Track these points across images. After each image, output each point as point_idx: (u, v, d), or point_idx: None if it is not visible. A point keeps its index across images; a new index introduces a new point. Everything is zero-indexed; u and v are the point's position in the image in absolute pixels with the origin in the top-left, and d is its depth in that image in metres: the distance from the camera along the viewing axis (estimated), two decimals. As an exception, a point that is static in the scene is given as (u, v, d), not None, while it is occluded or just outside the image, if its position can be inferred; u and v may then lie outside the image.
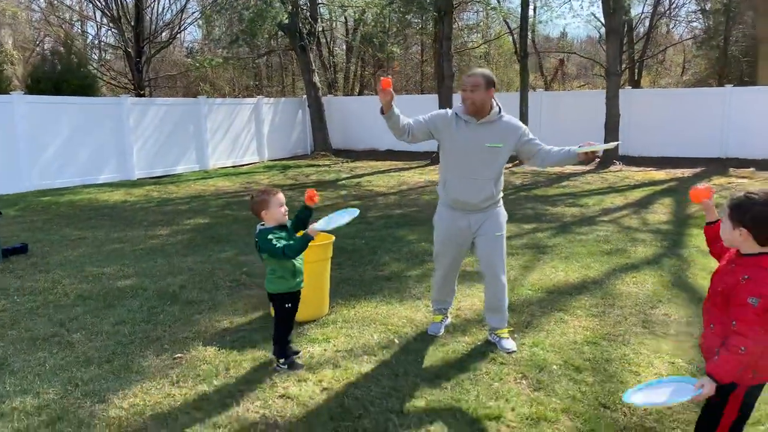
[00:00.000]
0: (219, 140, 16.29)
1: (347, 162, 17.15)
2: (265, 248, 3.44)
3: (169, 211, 9.61)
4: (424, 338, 4.17)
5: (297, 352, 3.84)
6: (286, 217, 3.61)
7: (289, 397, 3.33)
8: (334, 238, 4.68)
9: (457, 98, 18.00)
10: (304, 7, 19.17)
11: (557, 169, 14.78)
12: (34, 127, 11.92)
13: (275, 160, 18.05)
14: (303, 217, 3.74)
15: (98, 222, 8.72)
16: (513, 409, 3.16)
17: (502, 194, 4.02)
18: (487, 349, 3.95)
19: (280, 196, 3.58)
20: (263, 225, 3.58)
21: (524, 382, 3.49)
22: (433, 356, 3.86)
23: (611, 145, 3.93)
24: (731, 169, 13.95)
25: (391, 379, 3.55)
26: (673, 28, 34.46)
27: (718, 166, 14.61)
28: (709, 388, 2.13)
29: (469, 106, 3.75)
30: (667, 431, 2.95)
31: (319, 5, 20.08)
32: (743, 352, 2.11)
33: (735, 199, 2.23)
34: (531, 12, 29.81)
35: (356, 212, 3.59)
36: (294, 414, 3.16)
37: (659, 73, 34.71)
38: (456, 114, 3.84)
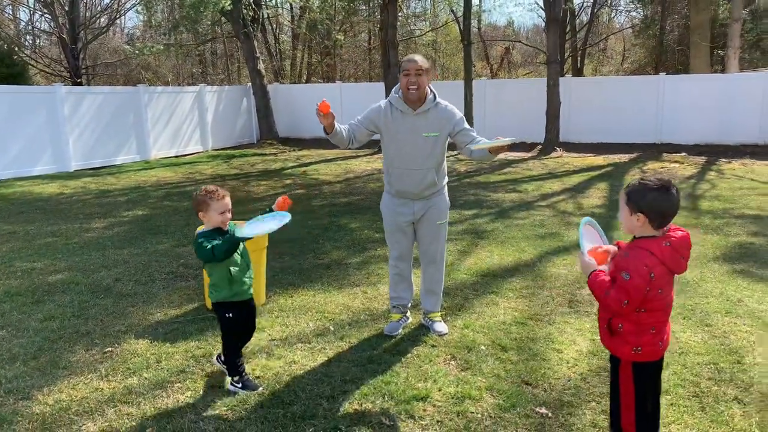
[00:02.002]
0: (161, 130, 15.89)
1: (294, 150, 17.03)
2: (199, 253, 3.19)
3: (107, 203, 9.35)
4: (360, 325, 4.23)
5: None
6: (227, 224, 3.29)
7: (220, 387, 3.34)
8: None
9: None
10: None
11: (501, 156, 15.07)
12: (-41, 117, 11.36)
13: (220, 149, 17.74)
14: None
15: (30, 216, 8.42)
16: (440, 389, 3.26)
17: (446, 181, 4.06)
18: (420, 333, 4.05)
19: (225, 202, 3.27)
20: (202, 228, 3.36)
21: (453, 362, 3.61)
22: (367, 342, 3.93)
23: (506, 141, 3.47)
24: (664, 154, 14.53)
25: (323, 365, 3.60)
26: (614, 17, 35.51)
27: (653, 151, 15.17)
28: (585, 266, 2.41)
29: (414, 91, 3.68)
30: (583, 404, 3.11)
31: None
32: (607, 295, 2.30)
33: (631, 186, 2.34)
34: (476, 0, 30.19)
35: (288, 217, 3.34)
36: (224, 403, 3.17)
37: (601, 61, 35.70)
38: (390, 104, 3.81)
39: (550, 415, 3.01)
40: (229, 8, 17.27)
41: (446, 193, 4.07)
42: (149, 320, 4.37)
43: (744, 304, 4.48)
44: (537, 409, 3.05)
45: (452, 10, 27.38)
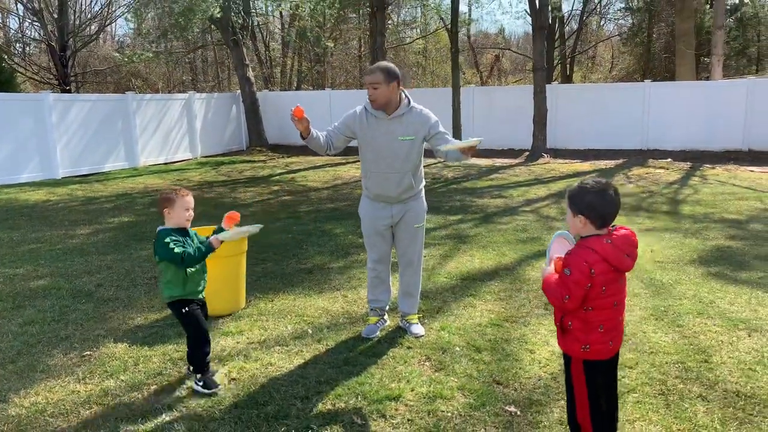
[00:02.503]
0: (149, 137, 15.90)
1: (283, 157, 17.08)
2: (162, 252, 3.22)
3: (93, 210, 9.37)
4: (338, 328, 4.28)
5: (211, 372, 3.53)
6: (189, 222, 3.39)
7: (194, 391, 3.38)
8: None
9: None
10: (237, 1, 18.90)
11: (487, 162, 15.21)
12: (-54, 124, 11.34)
13: (209, 156, 17.76)
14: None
15: (15, 222, 8.42)
16: (412, 389, 3.31)
17: (423, 184, 4.11)
18: (397, 335, 4.10)
19: (188, 200, 3.35)
20: (163, 226, 3.38)
21: (427, 363, 3.66)
22: (344, 344, 3.98)
23: (473, 141, 3.52)
24: (650, 160, 14.69)
25: (299, 367, 3.65)
26: (603, 24, 35.83)
27: (639, 157, 15.34)
28: (543, 272, 2.51)
29: (372, 103, 3.79)
30: (552, 402, 3.17)
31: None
32: (550, 293, 2.40)
33: (572, 189, 2.43)
34: (466, 8, 30.41)
35: (259, 227, 3.50)
36: (199, 404, 3.21)
37: (590, 69, 36.02)
38: (365, 109, 3.88)
39: (518, 413, 3.06)
40: (218, 16, 17.33)
41: (423, 197, 4.13)
42: (129, 324, 4.40)
43: (716, 306, 4.56)
44: (506, 408, 3.10)
45: (441, 18, 27.63)
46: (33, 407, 3.21)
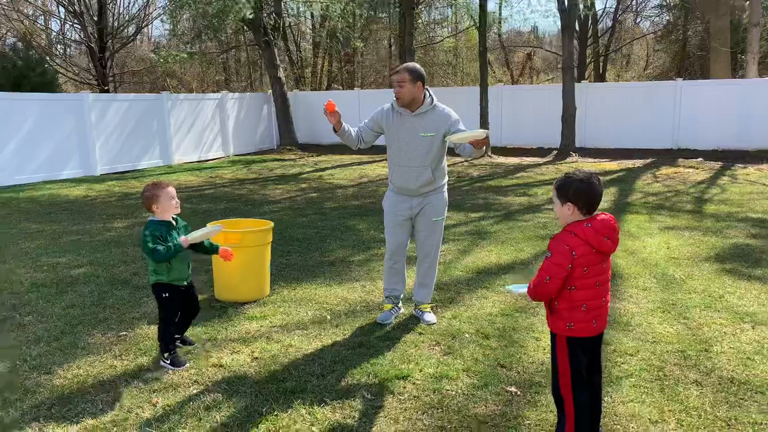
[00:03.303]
0: (183, 135, 16.42)
1: (312, 156, 17.42)
2: (142, 243, 3.57)
3: (129, 205, 9.81)
4: (355, 315, 4.52)
5: (191, 343, 3.96)
6: (178, 209, 3.68)
7: (221, 366, 3.67)
8: (272, 224, 4.99)
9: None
10: (269, 2, 19.34)
11: (515, 161, 15.31)
12: (-7, 123, 11.97)
13: (241, 154, 18.23)
14: (208, 249, 3.94)
15: (57, 216, 8.89)
16: (421, 370, 3.53)
17: (445, 181, 4.33)
18: (410, 322, 4.33)
19: (171, 190, 3.62)
20: (152, 217, 3.64)
21: (437, 348, 3.87)
22: (360, 330, 4.21)
23: (479, 132, 3.78)
24: (680, 160, 14.57)
25: (317, 349, 3.90)
26: (639, 22, 35.29)
27: (668, 156, 15.22)
28: (522, 294, 2.76)
29: (397, 100, 4.06)
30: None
31: (282, 1, 20.23)
32: (534, 287, 2.61)
33: (559, 180, 2.62)
34: (495, 7, 30.33)
35: (220, 228, 3.89)
36: (224, 378, 3.49)
37: (624, 67, 35.56)
38: (392, 106, 4.17)
39: (518, 393, 3.26)
40: (250, 17, 17.79)
41: (445, 192, 4.34)
42: (162, 309, 4.71)
43: (725, 300, 4.66)
44: (507, 388, 3.30)
45: (472, 17, 27.68)
46: (75, 378, 3.53)
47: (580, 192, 2.53)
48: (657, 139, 16.68)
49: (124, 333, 4.22)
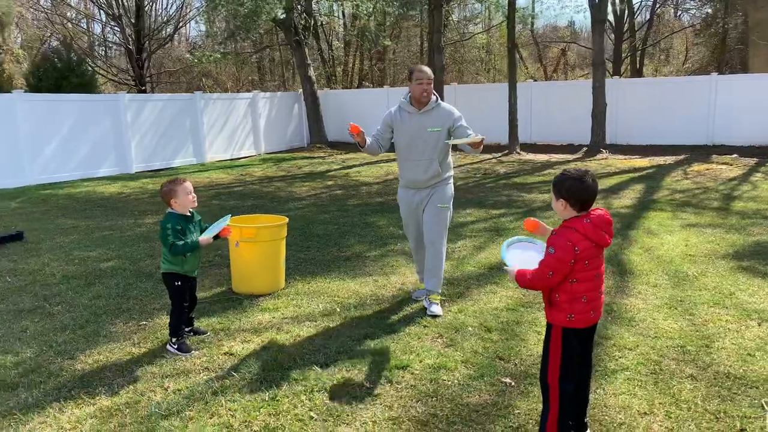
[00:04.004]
0: (216, 134, 16.83)
1: (341, 154, 17.63)
2: (161, 236, 3.79)
3: (160, 202, 10.09)
4: (364, 308, 4.66)
5: (204, 332, 4.14)
6: (195, 203, 3.90)
7: (231, 354, 3.85)
8: (287, 219, 5.16)
9: (449, 90, 18.39)
10: (300, 2, 19.63)
11: (544, 158, 15.24)
12: (35, 124, 12.51)
13: (272, 153, 18.57)
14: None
15: (92, 212, 9.28)
16: (421, 361, 3.65)
17: (451, 174, 4.66)
18: (416, 316, 4.44)
19: (188, 185, 3.83)
20: (171, 210, 3.85)
21: (439, 340, 3.98)
22: (366, 322, 4.35)
23: (475, 138, 4.15)
24: (714, 156, 14.26)
25: (323, 339, 4.05)
26: (680, 15, 34.40)
27: (702, 153, 14.91)
28: (511, 273, 2.77)
29: (424, 98, 4.38)
30: (547, 377, 3.42)
31: (314, 0, 20.50)
32: (531, 279, 2.68)
33: (556, 177, 2.70)
34: (528, 2, 30.06)
35: (228, 217, 4.11)
36: (233, 366, 3.67)
37: (662, 62, 34.79)
38: (399, 107, 4.54)
39: (513, 384, 3.34)
40: (282, 17, 18.12)
41: (451, 185, 4.67)
42: (181, 300, 4.94)
43: (735, 297, 4.64)
44: (502, 379, 3.39)
45: (504, 13, 27.48)
46: (95, 364, 3.76)
47: (572, 189, 2.62)
48: (691, 135, 16.35)
49: (144, 322, 4.45)
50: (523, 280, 2.74)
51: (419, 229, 4.69)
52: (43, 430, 3.04)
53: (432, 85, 4.42)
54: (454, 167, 4.85)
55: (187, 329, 4.04)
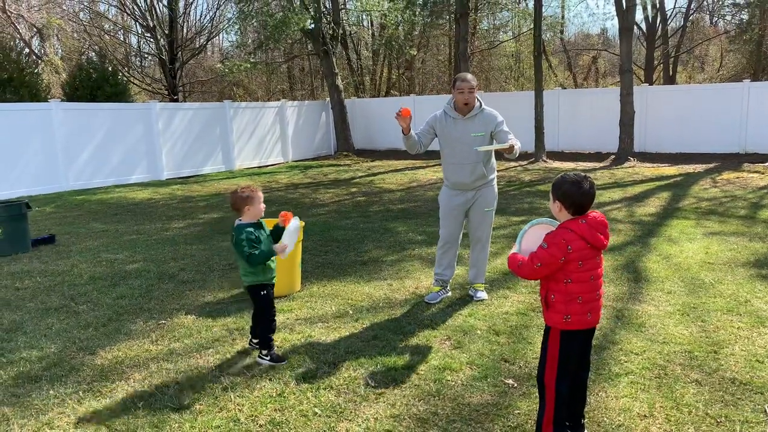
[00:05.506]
0: (245, 142, 17.17)
1: (366, 161, 17.79)
2: (237, 245, 3.69)
3: (188, 207, 10.42)
4: (376, 310, 4.74)
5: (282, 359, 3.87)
6: (263, 213, 3.86)
7: (243, 352, 3.97)
8: (303, 223, 5.27)
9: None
10: (327, 13, 19.93)
11: (571, 165, 15.15)
12: (70, 132, 12.98)
13: (299, 160, 18.84)
14: (277, 230, 4.00)
15: (122, 217, 9.58)
16: (426, 362, 3.71)
17: (495, 175, 4.88)
18: (426, 318, 4.50)
19: (261, 194, 3.85)
20: (240, 220, 3.80)
21: (447, 342, 4.04)
22: (377, 324, 4.43)
23: (504, 145, 4.42)
24: (745, 164, 13.98)
25: (334, 340, 4.14)
26: (716, 21, 33.79)
27: (733, 161, 14.64)
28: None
29: (467, 105, 4.59)
30: (550, 379, 3.44)
31: (342, 10, 20.78)
32: (519, 265, 2.77)
33: (555, 179, 2.76)
34: (557, 11, 29.86)
35: (297, 220, 3.93)
36: (244, 365, 3.79)
37: (695, 69, 34.18)
38: (444, 112, 4.75)
39: (515, 385, 3.38)
40: (310, 28, 18.42)
41: (495, 186, 4.89)
42: (200, 301, 5.10)
43: (750, 304, 4.58)
44: (505, 381, 3.43)
45: (532, 19, 27.37)
46: (114, 359, 3.92)
47: (569, 193, 2.68)
48: (722, 143, 16.06)
49: (163, 321, 4.61)
50: (513, 264, 2.83)
51: (456, 231, 4.88)
52: (62, 420, 3.19)
53: (474, 93, 4.59)
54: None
55: (254, 341, 4.00)
